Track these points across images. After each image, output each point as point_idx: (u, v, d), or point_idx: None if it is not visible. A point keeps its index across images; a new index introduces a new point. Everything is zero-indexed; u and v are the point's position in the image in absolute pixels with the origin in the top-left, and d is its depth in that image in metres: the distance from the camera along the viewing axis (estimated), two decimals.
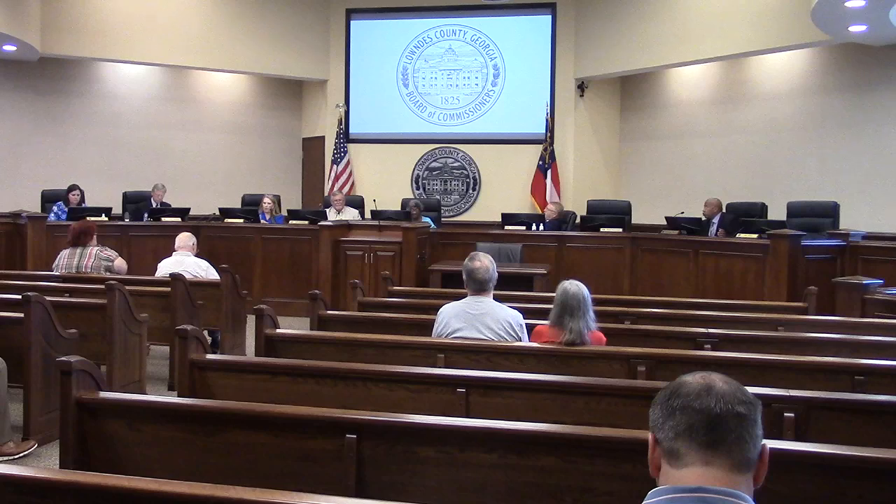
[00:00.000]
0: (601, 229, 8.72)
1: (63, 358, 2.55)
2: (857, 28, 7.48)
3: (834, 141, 8.82)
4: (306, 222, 8.82)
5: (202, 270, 6.29)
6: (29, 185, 9.82)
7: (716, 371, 1.41)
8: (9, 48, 9.12)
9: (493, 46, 11.14)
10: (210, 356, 3.23)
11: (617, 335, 3.98)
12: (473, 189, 11.26)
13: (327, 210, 9.49)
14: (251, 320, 4.60)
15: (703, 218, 8.42)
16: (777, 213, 8.30)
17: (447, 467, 2.29)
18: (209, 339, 5.65)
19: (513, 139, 11.01)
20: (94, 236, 6.16)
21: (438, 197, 11.06)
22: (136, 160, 10.88)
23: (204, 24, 10.70)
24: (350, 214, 9.37)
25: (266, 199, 9.46)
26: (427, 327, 4.01)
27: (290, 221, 9.06)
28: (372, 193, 10.31)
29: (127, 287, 4.96)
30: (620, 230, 8.70)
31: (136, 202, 9.73)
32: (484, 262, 3.84)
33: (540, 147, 10.72)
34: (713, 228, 8.30)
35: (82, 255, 6.01)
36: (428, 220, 9.29)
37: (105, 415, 2.53)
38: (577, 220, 9.45)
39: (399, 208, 9.70)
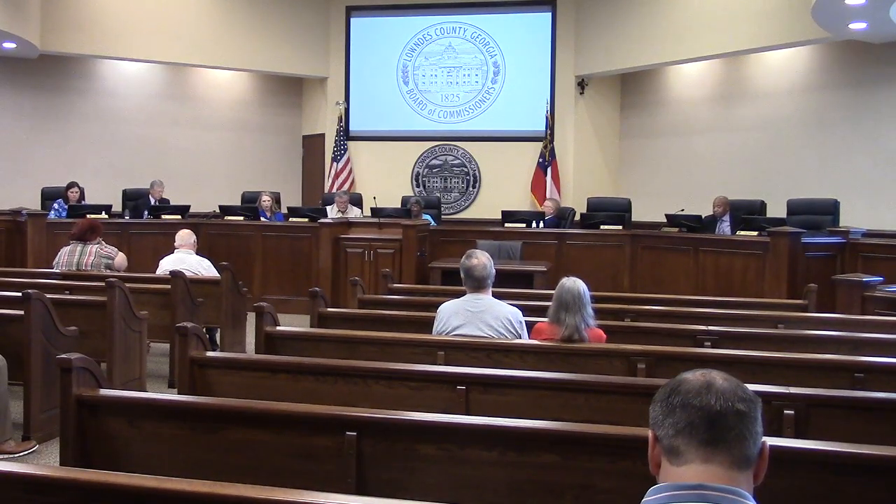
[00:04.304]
0: (601, 227, 8.71)
1: (63, 355, 2.54)
2: (857, 25, 7.47)
3: (834, 138, 8.81)
4: (306, 220, 8.82)
5: (203, 269, 6.29)
6: (29, 183, 9.79)
7: (716, 368, 1.41)
8: (8, 45, 9.10)
9: (493, 44, 11.12)
10: (210, 353, 3.23)
11: (617, 332, 3.98)
12: (473, 186, 11.25)
13: (328, 207, 9.49)
14: (251, 318, 4.61)
15: (714, 217, 8.36)
16: (777, 210, 8.28)
17: (447, 464, 2.29)
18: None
19: (513, 136, 11.00)
20: (100, 235, 6.16)
21: (438, 194, 11.05)
22: (135, 157, 10.86)
23: (204, 22, 10.69)
24: (353, 213, 9.36)
25: (265, 197, 9.45)
26: (427, 324, 4.00)
27: (290, 219, 9.05)
28: (372, 191, 10.30)
29: (127, 284, 4.96)
30: (620, 227, 8.70)
31: (135, 199, 9.71)
32: (481, 259, 3.83)
33: (540, 144, 10.72)
34: (723, 227, 8.26)
35: (82, 253, 6.01)
36: (428, 217, 9.28)
37: (105, 412, 2.53)
38: (577, 217, 9.45)
39: (399, 206, 9.70)
